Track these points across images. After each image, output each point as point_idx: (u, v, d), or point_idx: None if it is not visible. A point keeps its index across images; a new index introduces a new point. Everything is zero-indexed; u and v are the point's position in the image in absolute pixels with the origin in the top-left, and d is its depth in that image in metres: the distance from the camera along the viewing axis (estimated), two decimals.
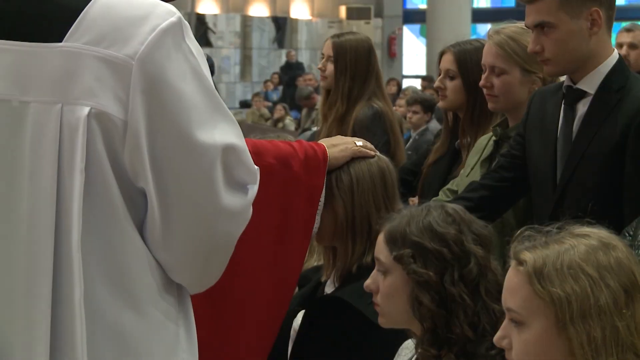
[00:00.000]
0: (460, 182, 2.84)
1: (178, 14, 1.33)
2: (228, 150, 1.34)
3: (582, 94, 2.33)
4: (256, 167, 1.44)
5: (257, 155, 1.86)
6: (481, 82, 2.73)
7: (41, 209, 1.27)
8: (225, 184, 1.35)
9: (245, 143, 1.41)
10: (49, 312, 1.28)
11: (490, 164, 2.72)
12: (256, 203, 1.48)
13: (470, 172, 2.81)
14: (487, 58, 2.72)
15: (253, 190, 1.44)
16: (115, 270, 1.33)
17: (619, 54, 2.38)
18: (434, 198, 2.93)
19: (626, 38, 5.06)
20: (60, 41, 1.27)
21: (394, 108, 6.28)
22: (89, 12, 1.27)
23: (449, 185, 2.91)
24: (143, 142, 1.28)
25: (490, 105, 2.76)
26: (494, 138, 2.76)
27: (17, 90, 1.28)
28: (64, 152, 1.26)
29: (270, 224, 2.03)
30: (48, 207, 1.27)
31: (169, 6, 1.34)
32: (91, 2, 1.28)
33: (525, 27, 2.67)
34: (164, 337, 1.40)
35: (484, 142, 2.83)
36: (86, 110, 1.25)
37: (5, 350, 1.32)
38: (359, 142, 2.13)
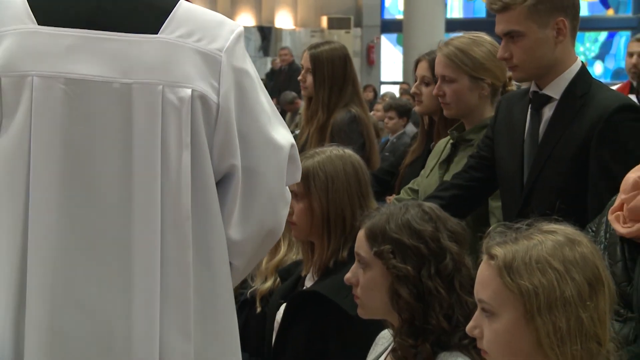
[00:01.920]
0: (420, 182, 2.90)
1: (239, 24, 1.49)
2: (292, 148, 1.47)
3: (548, 99, 2.34)
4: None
5: None
6: (434, 91, 2.79)
7: (147, 179, 1.36)
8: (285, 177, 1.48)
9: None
10: (158, 282, 1.36)
11: (447, 165, 2.76)
12: None
13: (429, 173, 2.86)
14: (438, 69, 2.76)
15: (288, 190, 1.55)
16: (203, 242, 1.41)
17: (581, 61, 2.40)
18: (396, 196, 2.97)
19: (636, 47, 5.02)
20: (156, 33, 1.38)
21: (372, 113, 6.30)
22: (176, 13, 1.40)
23: (409, 185, 2.96)
24: (233, 121, 1.39)
25: (445, 112, 2.81)
26: (451, 141, 2.79)
27: (118, 74, 1.36)
28: (167, 127, 1.35)
29: None
30: (153, 178, 1.35)
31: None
32: (177, 5, 1.41)
33: (472, 38, 2.76)
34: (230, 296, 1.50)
35: (442, 146, 2.87)
36: (188, 91, 1.36)
37: (117, 310, 1.38)
38: None
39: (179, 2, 1.42)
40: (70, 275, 1.36)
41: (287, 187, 1.52)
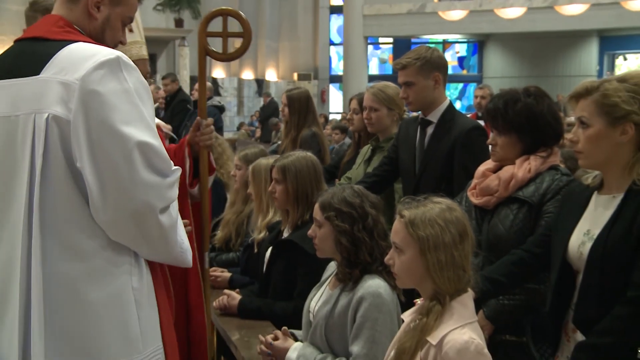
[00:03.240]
0: (352, 172, 2.87)
1: (117, 54, 1.19)
2: (144, 144, 1.16)
3: (430, 122, 2.33)
4: (170, 161, 1.24)
5: None
6: (364, 116, 2.76)
7: (22, 183, 1.15)
8: (144, 166, 1.17)
9: (160, 143, 1.22)
10: (18, 266, 1.13)
11: (369, 163, 2.74)
12: None
13: (357, 167, 2.83)
14: (366, 102, 2.73)
15: (173, 177, 1.23)
16: (65, 228, 1.16)
17: (449, 100, 2.39)
18: (338, 182, 2.95)
19: (479, 93, 5.19)
20: (38, 74, 1.17)
21: (325, 130, 6.27)
22: (59, 55, 1.18)
23: (346, 174, 2.92)
24: (82, 132, 1.14)
25: (369, 129, 2.79)
26: (371, 147, 2.78)
27: (13, 109, 1.18)
28: (36, 143, 1.15)
29: None
30: (24, 182, 1.15)
31: (112, 50, 1.21)
32: (62, 49, 1.18)
33: (386, 84, 2.76)
34: (113, 276, 1.19)
35: (365, 150, 2.85)
36: (45, 115, 1.14)
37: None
38: None
39: (66, 46, 1.18)
40: None
41: (160, 176, 1.19)
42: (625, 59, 16.41)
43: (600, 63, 16.13)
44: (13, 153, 1.17)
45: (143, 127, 1.18)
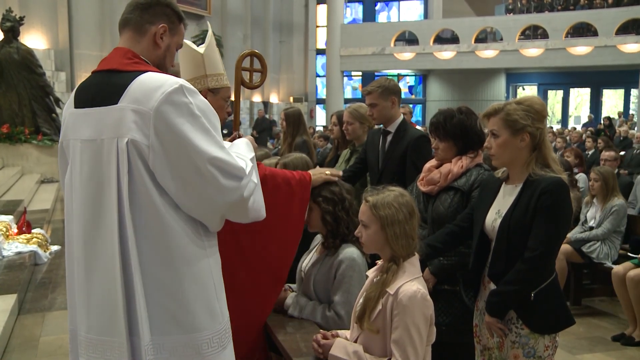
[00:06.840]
0: (335, 168, 2.82)
1: (180, 82, 1.00)
2: (215, 159, 0.99)
3: (389, 132, 2.30)
4: (241, 166, 1.04)
5: (271, 176, 1.45)
6: (343, 128, 2.74)
7: (111, 196, 1.00)
8: (221, 175, 1.00)
9: (230, 156, 1.02)
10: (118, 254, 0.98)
11: (348, 161, 2.72)
12: (267, 208, 1.09)
13: (340, 165, 2.80)
14: (345, 117, 2.71)
15: (246, 179, 1.04)
16: (155, 227, 1.00)
17: (403, 115, 2.38)
18: None
19: (402, 110, 5.18)
20: (116, 103, 1.00)
21: (312, 138, 6.22)
22: (131, 86, 1.00)
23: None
24: (161, 154, 0.98)
25: (347, 137, 2.76)
26: (350, 150, 2.76)
27: (97, 134, 1.02)
28: (120, 164, 0.99)
29: (276, 220, 1.45)
30: (114, 195, 0.99)
31: (176, 78, 1.02)
32: (134, 80, 1.01)
33: (360, 104, 2.73)
34: (198, 261, 1.03)
35: (345, 152, 2.83)
36: (126, 140, 0.98)
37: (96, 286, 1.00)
38: (327, 172, 1.60)
39: (137, 77, 1.01)
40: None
41: (236, 181, 1.02)
42: (523, 89, 17.20)
43: (507, 91, 16.72)
44: (99, 171, 1.02)
45: (210, 142, 1.00)
